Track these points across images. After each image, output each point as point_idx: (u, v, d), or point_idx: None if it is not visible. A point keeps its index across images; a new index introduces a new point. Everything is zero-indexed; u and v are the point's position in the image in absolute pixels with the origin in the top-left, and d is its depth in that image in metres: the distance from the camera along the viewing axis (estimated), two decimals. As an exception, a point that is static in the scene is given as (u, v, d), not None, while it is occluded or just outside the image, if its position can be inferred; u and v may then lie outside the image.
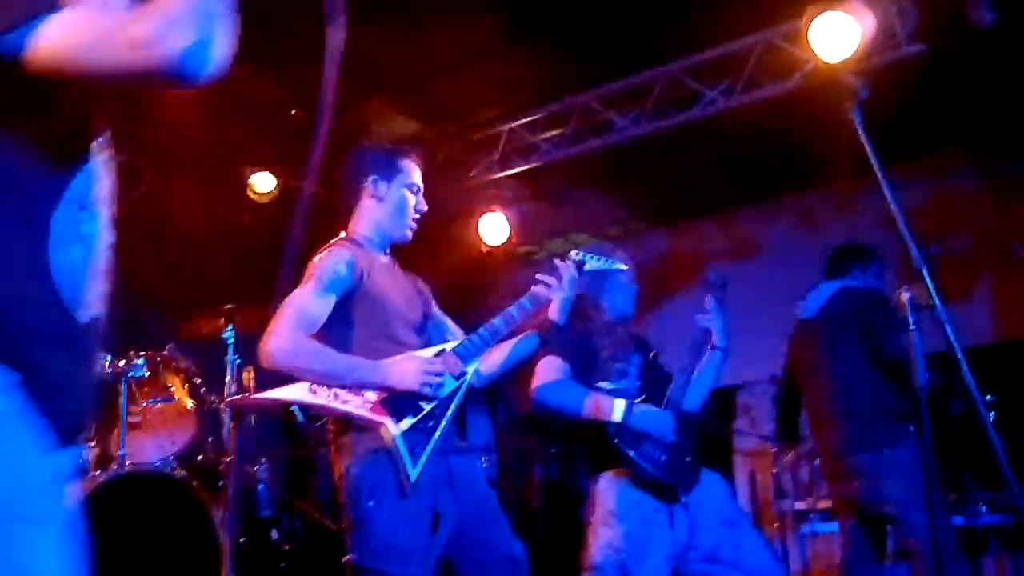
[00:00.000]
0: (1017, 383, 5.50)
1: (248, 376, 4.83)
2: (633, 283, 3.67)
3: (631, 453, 3.26)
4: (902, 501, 3.66)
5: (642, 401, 3.36)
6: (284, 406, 5.18)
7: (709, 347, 3.59)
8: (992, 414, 5.04)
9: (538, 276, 3.01)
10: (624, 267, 3.26)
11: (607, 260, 3.14)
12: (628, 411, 3.25)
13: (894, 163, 5.53)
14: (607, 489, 3.29)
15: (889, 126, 5.08)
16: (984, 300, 6.42)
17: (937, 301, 2.30)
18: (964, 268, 6.34)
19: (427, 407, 2.74)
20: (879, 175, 2.42)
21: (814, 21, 4.61)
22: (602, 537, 3.23)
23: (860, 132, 2.50)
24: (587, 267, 3.07)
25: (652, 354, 3.66)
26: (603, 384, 3.42)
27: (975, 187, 6.31)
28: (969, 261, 6.36)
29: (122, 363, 4.37)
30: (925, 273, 2.33)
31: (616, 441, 3.26)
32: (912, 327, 2.36)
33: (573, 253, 3.07)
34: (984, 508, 4.84)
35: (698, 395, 3.56)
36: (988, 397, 5.08)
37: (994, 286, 6.41)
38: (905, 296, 2.38)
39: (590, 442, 3.37)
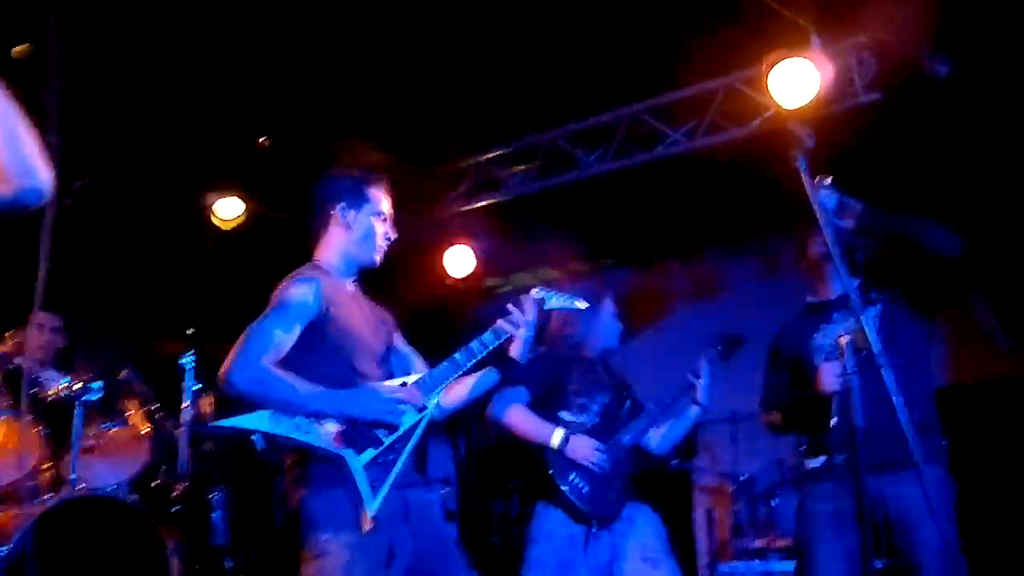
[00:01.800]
0: (970, 427, 5.58)
1: (207, 402, 4.81)
2: (618, 320, 3.84)
3: (557, 480, 3.59)
4: None
5: (593, 434, 3.67)
6: (243, 434, 5.17)
7: (692, 400, 3.83)
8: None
9: (504, 310, 3.03)
10: (584, 306, 3.31)
11: (568, 298, 3.18)
12: (564, 440, 3.59)
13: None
14: (536, 515, 3.63)
15: (848, 173, 5.22)
16: (938, 344, 6.52)
17: (876, 346, 2.35)
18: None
19: (388, 440, 2.73)
20: (822, 223, 2.48)
21: (774, 68, 4.71)
22: (529, 557, 3.58)
23: (806, 180, 2.56)
24: (548, 305, 3.10)
25: (625, 394, 3.90)
26: (562, 414, 3.73)
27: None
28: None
29: (78, 386, 4.33)
30: (863, 317, 2.38)
31: (548, 466, 3.59)
32: (852, 371, 2.41)
33: (535, 291, 3.09)
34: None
35: (669, 442, 3.90)
36: (942, 441, 5.16)
37: (948, 330, 6.51)
38: (844, 339, 2.43)
39: (528, 467, 3.68)
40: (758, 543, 5.72)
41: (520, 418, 3.68)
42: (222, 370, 2.62)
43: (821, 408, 3.37)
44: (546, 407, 3.73)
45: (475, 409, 3.58)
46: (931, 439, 3.28)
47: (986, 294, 6.13)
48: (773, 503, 5.86)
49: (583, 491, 3.61)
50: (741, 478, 6.07)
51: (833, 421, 3.30)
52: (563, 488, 3.59)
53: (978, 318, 6.14)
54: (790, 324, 3.77)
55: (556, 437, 3.62)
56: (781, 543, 5.53)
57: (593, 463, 3.62)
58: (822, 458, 3.42)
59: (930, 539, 3.10)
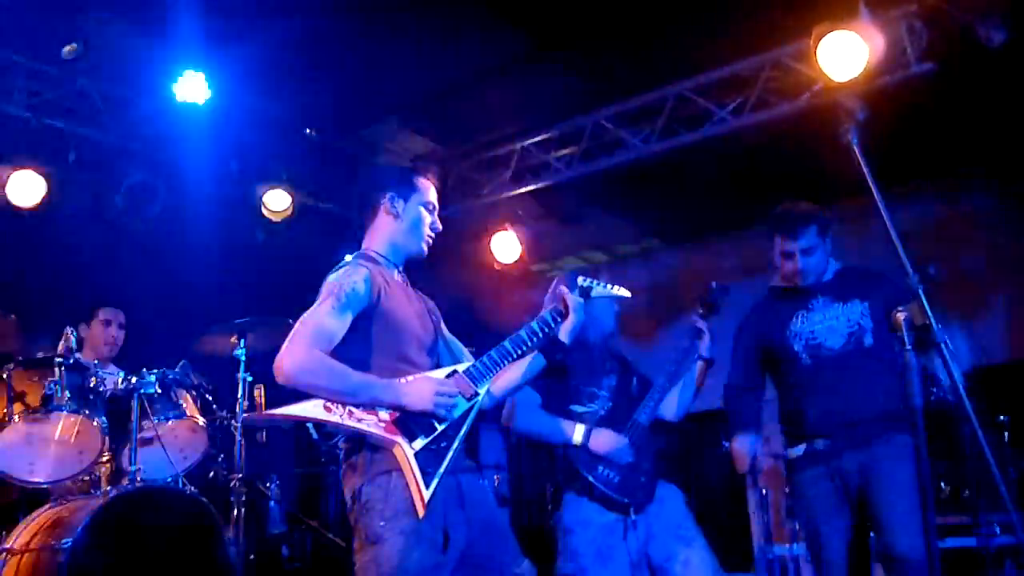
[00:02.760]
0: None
1: (259, 394, 4.86)
2: (614, 300, 3.82)
3: (587, 474, 3.64)
4: None
5: (610, 419, 3.73)
6: (297, 423, 5.22)
7: (697, 357, 3.86)
8: (1007, 434, 5.02)
9: (548, 297, 3.03)
10: (627, 294, 3.35)
11: (611, 287, 3.21)
12: (587, 436, 3.66)
13: (907, 182, 5.58)
14: (568, 505, 3.68)
15: (900, 145, 5.11)
16: (999, 319, 6.39)
17: (934, 321, 2.29)
18: (978, 287, 6.32)
19: (440, 427, 2.74)
20: (877, 197, 2.42)
21: (822, 40, 4.61)
22: (566, 548, 3.64)
23: (857, 153, 2.50)
24: (593, 293, 3.09)
25: (630, 373, 3.95)
26: (575, 407, 3.76)
27: (990, 205, 6.29)
28: (984, 280, 6.34)
29: (134, 380, 4.40)
30: (921, 293, 2.32)
31: (575, 463, 3.65)
32: (908, 347, 2.35)
33: (580, 279, 3.10)
34: (997, 529, 4.79)
35: (683, 407, 3.93)
36: (1002, 417, 5.06)
37: (1009, 304, 6.37)
38: (901, 316, 2.36)
39: (557, 463, 3.74)
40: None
41: (538, 423, 3.73)
42: (277, 360, 2.63)
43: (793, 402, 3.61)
44: (557, 403, 3.76)
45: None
46: (903, 420, 3.36)
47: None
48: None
49: (614, 481, 3.64)
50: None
51: (812, 413, 3.54)
52: (595, 482, 3.62)
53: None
54: (760, 307, 3.84)
55: (578, 434, 3.66)
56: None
57: (618, 456, 3.65)
58: (802, 446, 3.59)
59: (899, 479, 3.31)
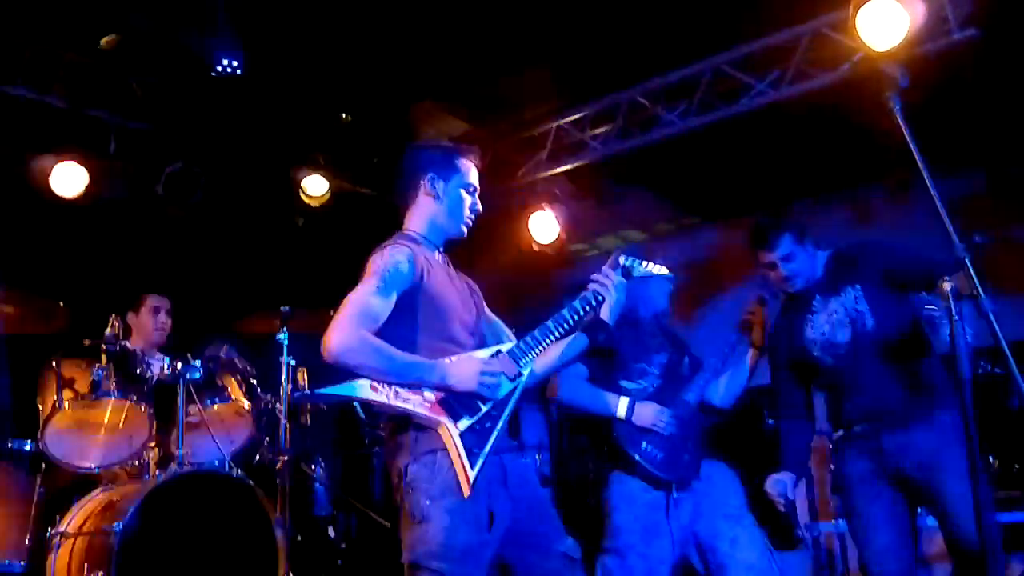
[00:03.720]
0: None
1: (302, 377, 4.91)
2: (668, 280, 3.75)
3: (630, 450, 3.65)
4: None
5: (658, 397, 3.72)
6: (344, 404, 5.27)
7: (749, 345, 3.85)
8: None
9: (592, 277, 3.03)
10: (668, 273, 3.33)
11: (651, 265, 3.18)
12: (630, 409, 3.66)
13: (952, 152, 5.47)
14: (611, 481, 3.70)
15: (945, 114, 5.01)
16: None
17: (981, 291, 2.24)
18: (1025, 258, 6.19)
19: (484, 408, 2.74)
20: (920, 165, 2.37)
21: (862, 8, 4.53)
22: (610, 524, 3.65)
23: (901, 122, 2.46)
24: (635, 273, 3.07)
25: (682, 352, 3.94)
26: (624, 383, 3.76)
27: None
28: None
29: (179, 365, 4.47)
30: (968, 262, 2.27)
31: (618, 438, 3.66)
32: (956, 317, 2.30)
33: (621, 259, 3.08)
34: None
35: (732, 394, 3.89)
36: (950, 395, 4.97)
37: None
38: (947, 286, 2.32)
39: (598, 438, 3.75)
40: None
41: (583, 394, 3.74)
42: (324, 341, 2.64)
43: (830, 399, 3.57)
44: (606, 378, 3.75)
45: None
46: (938, 397, 3.36)
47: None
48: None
49: (657, 458, 3.65)
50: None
51: (847, 407, 3.48)
52: (637, 458, 3.63)
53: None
54: (778, 322, 3.79)
55: (622, 407, 3.67)
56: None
57: (662, 427, 3.65)
58: (841, 430, 3.54)
59: (951, 465, 3.20)
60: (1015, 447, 4.87)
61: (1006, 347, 2.24)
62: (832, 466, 3.73)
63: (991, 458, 4.97)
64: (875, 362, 3.45)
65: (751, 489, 3.84)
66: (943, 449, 3.25)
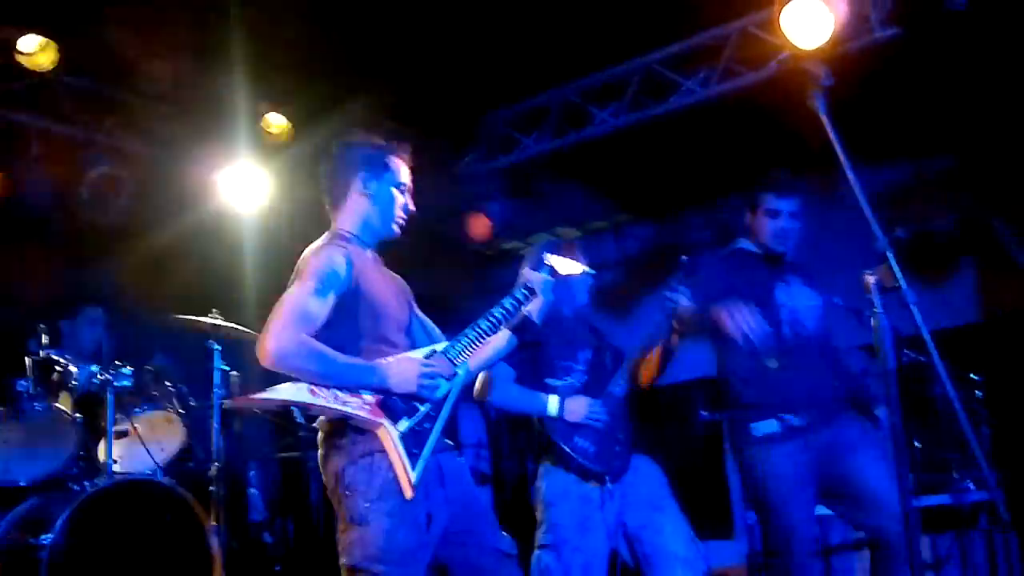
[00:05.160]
0: (1003, 360, 5.55)
1: (235, 382, 4.84)
2: (588, 276, 3.81)
3: (563, 445, 3.67)
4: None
5: (585, 392, 3.75)
6: (281, 408, 5.22)
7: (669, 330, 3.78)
8: (979, 393, 5.10)
9: (519, 276, 3.04)
10: (591, 272, 3.41)
11: (574, 264, 3.17)
12: (561, 406, 3.68)
13: (874, 148, 5.60)
14: (545, 477, 3.72)
15: (867, 111, 5.14)
16: (969, 279, 6.46)
17: (903, 283, 2.31)
18: (947, 248, 6.38)
19: (423, 409, 2.74)
20: (843, 161, 2.44)
21: (786, 8, 4.62)
22: (545, 520, 3.67)
23: (824, 119, 2.52)
24: (559, 271, 3.08)
25: (604, 345, 3.96)
26: (551, 381, 3.78)
27: (956, 168, 6.34)
28: (952, 241, 6.40)
29: (108, 373, 4.37)
30: (890, 256, 2.34)
31: (552, 434, 3.68)
32: (878, 310, 2.37)
33: (545, 258, 3.08)
34: (972, 485, 4.87)
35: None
36: (974, 376, 5.14)
37: (978, 265, 6.45)
38: (871, 279, 2.39)
39: (532, 435, 3.77)
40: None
41: (513, 396, 3.76)
42: (260, 344, 2.60)
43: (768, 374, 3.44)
44: (533, 377, 3.78)
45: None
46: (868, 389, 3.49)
47: (1008, 218, 6.07)
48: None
49: (590, 451, 3.68)
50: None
51: (797, 387, 3.42)
52: (570, 453, 3.66)
53: (1002, 244, 6.08)
54: (733, 265, 3.67)
55: (553, 405, 3.69)
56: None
57: (594, 420, 3.68)
58: (772, 422, 3.45)
59: (872, 453, 3.35)
60: (937, 433, 5.02)
61: (928, 337, 2.30)
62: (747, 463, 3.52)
63: (916, 443, 5.12)
64: (826, 359, 3.53)
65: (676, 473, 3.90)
66: (867, 445, 3.38)
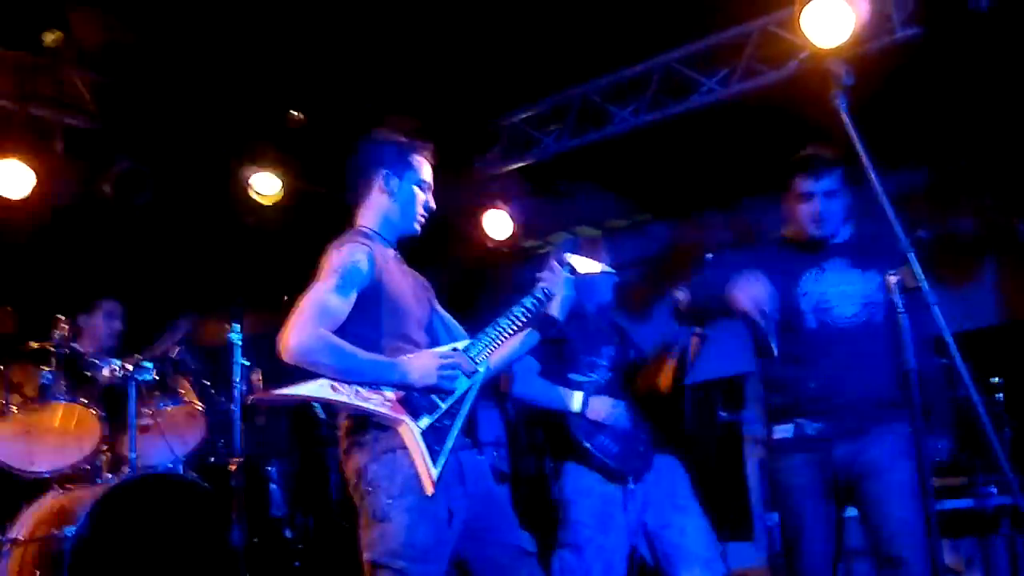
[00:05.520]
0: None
1: (257, 378, 4.87)
2: (612, 274, 3.79)
3: (586, 443, 3.66)
4: None
5: (608, 389, 3.74)
6: (303, 404, 5.25)
7: (691, 332, 3.80)
8: (1000, 395, 5.06)
9: (539, 276, 3.04)
10: (612, 271, 3.39)
11: (595, 264, 3.18)
12: (584, 403, 3.66)
13: (895, 147, 5.58)
14: (567, 475, 3.72)
15: (889, 111, 5.11)
16: (990, 282, 6.42)
17: (924, 284, 2.30)
18: (969, 250, 6.34)
19: (444, 406, 2.75)
20: (865, 161, 2.43)
21: (807, 7, 4.61)
22: (566, 518, 3.65)
23: (845, 118, 2.50)
24: (580, 269, 3.09)
25: (627, 342, 3.96)
26: (574, 376, 3.78)
27: (978, 169, 6.30)
28: (973, 243, 6.36)
29: (131, 367, 4.41)
30: (911, 256, 2.33)
31: (573, 432, 3.66)
32: (900, 310, 2.36)
33: (566, 256, 3.10)
34: (995, 489, 4.84)
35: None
36: (995, 379, 5.10)
37: (999, 267, 6.41)
38: (893, 279, 2.37)
39: (553, 432, 3.75)
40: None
41: (537, 389, 3.75)
42: (282, 340, 2.62)
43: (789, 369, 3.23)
44: (556, 372, 3.77)
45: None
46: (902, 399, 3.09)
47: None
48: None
49: (613, 451, 3.68)
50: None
51: (812, 386, 3.20)
52: (593, 451, 3.66)
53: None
54: (765, 256, 3.42)
55: (576, 401, 3.68)
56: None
57: (614, 420, 3.68)
58: (790, 426, 3.26)
59: (898, 479, 3.08)
60: (960, 437, 4.98)
61: (950, 338, 2.30)
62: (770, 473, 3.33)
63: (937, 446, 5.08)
64: (865, 352, 3.19)
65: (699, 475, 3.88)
66: (894, 461, 3.11)
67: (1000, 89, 5.48)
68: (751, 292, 3.09)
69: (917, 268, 2.32)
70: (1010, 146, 5.96)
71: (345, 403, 2.67)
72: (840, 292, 3.28)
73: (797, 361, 3.24)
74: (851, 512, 3.30)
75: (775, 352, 3.18)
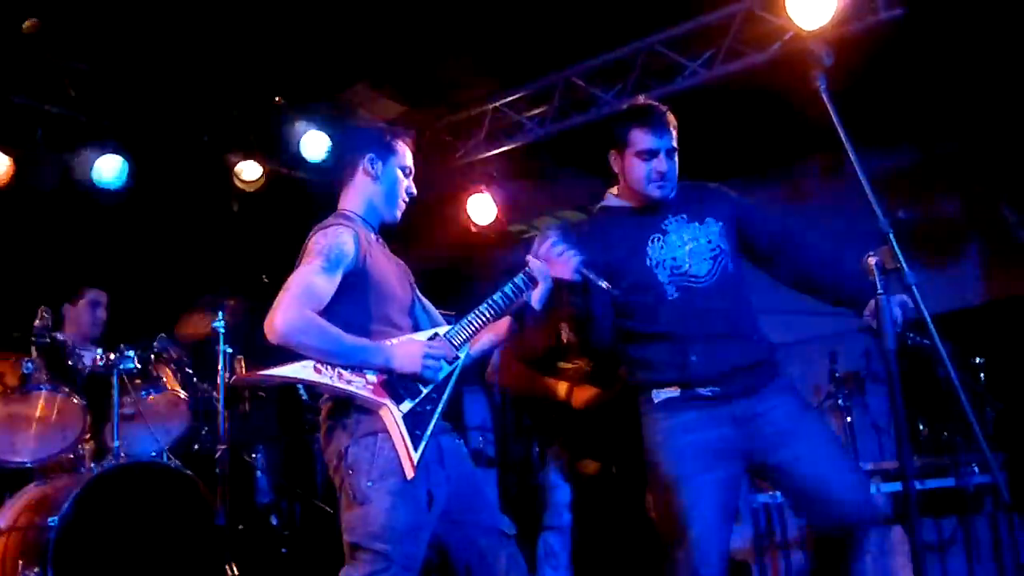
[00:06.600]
0: (1007, 343, 5.55)
1: (240, 365, 4.85)
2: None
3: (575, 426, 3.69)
4: None
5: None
6: (287, 387, 5.24)
7: None
8: (982, 375, 5.10)
9: (527, 259, 3.01)
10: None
11: (579, 254, 3.11)
12: (569, 391, 3.68)
13: (879, 130, 5.59)
14: (553, 460, 3.73)
15: (872, 93, 5.12)
16: (973, 262, 6.46)
17: (904, 264, 2.30)
18: (953, 231, 6.37)
19: (425, 391, 2.76)
20: (845, 142, 2.42)
21: (789, -13, 4.61)
22: (551, 502, 3.74)
23: (827, 101, 2.49)
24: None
25: None
26: (561, 364, 3.81)
27: (962, 150, 6.32)
28: (955, 225, 6.39)
29: (113, 356, 4.39)
30: (891, 237, 2.33)
31: (561, 416, 3.69)
32: (880, 291, 2.36)
33: (548, 242, 3.02)
34: (976, 468, 4.88)
35: None
36: (978, 359, 5.14)
37: (983, 248, 6.44)
38: (872, 260, 2.37)
39: (542, 419, 3.82)
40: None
41: (523, 376, 3.75)
42: (269, 320, 2.63)
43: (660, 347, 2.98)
44: (544, 360, 3.78)
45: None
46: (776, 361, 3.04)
47: (1014, 201, 6.05)
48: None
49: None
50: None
51: (694, 359, 2.92)
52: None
53: (1008, 227, 6.07)
54: (593, 231, 3.17)
55: (562, 389, 3.71)
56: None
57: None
58: (675, 390, 2.96)
59: (806, 431, 2.91)
60: (942, 416, 5.02)
61: (928, 318, 2.30)
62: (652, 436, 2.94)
63: (921, 426, 5.12)
64: (730, 309, 3.00)
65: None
66: (798, 414, 2.94)
67: (985, 70, 5.48)
68: (554, 254, 2.87)
69: (896, 249, 2.32)
70: (994, 128, 5.98)
71: (328, 385, 2.67)
72: (689, 251, 3.04)
73: (669, 339, 2.98)
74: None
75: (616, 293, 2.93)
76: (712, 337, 2.94)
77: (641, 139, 3.03)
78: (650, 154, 3.03)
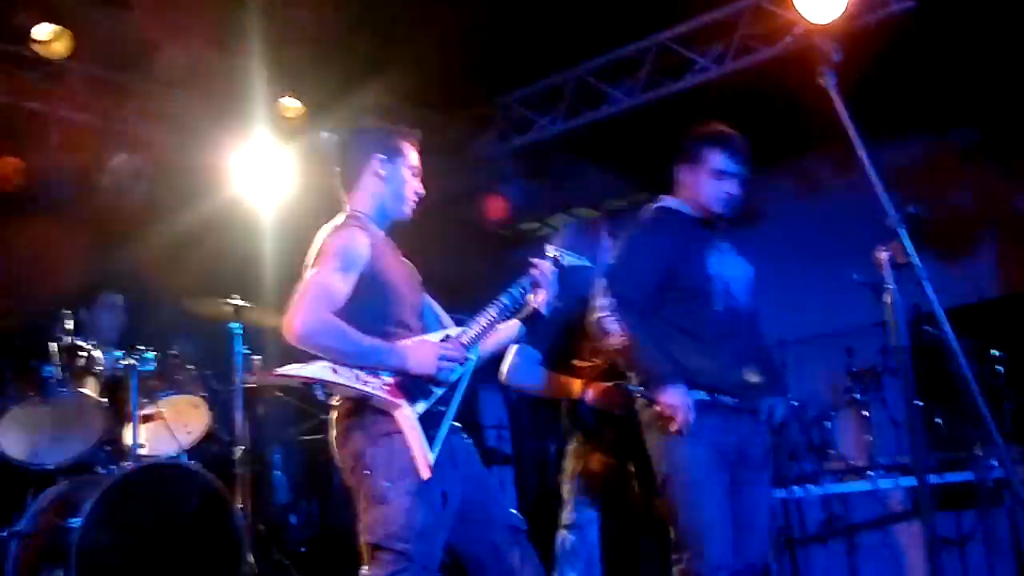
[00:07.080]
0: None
1: (257, 366, 4.88)
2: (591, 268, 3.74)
3: (592, 425, 3.61)
4: None
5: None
6: (304, 387, 5.26)
7: None
8: (1001, 368, 5.06)
9: (532, 261, 3.05)
10: (589, 264, 3.32)
11: (578, 257, 3.17)
12: (584, 390, 3.61)
13: (892, 123, 5.57)
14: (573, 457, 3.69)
15: (884, 85, 5.10)
16: (989, 255, 6.43)
17: (915, 259, 2.30)
18: (967, 224, 6.34)
19: (438, 392, 2.78)
20: (853, 136, 2.43)
21: (798, -18, 4.60)
22: (571, 499, 3.65)
23: (833, 95, 2.50)
24: (564, 263, 3.10)
25: None
26: (576, 363, 3.71)
27: (976, 142, 6.29)
28: (971, 217, 6.36)
29: (132, 358, 4.42)
30: (902, 232, 2.33)
31: (581, 416, 3.64)
32: (891, 286, 2.36)
33: (548, 250, 3.09)
34: (995, 462, 4.84)
35: None
36: (996, 352, 5.10)
37: (998, 240, 6.41)
38: (883, 255, 2.37)
39: (557, 416, 3.76)
40: (814, 467, 5.70)
41: (539, 379, 3.73)
42: (287, 322, 2.65)
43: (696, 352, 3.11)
44: (560, 359, 3.75)
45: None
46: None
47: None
48: (827, 425, 5.82)
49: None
50: (793, 403, 6.03)
51: (726, 368, 3.11)
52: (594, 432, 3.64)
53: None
54: (670, 227, 3.32)
55: (578, 388, 3.66)
56: (837, 465, 5.51)
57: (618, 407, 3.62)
58: (703, 393, 3.08)
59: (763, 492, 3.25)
60: (960, 410, 4.99)
61: (941, 312, 2.30)
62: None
63: (937, 420, 5.10)
64: (753, 338, 3.25)
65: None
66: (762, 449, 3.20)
67: (998, 60, 5.46)
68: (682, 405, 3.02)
69: (908, 243, 2.32)
70: (1009, 118, 5.95)
71: (345, 386, 2.69)
72: (735, 277, 3.26)
73: (706, 343, 3.13)
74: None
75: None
76: (740, 357, 3.16)
77: (720, 161, 3.30)
78: (725, 175, 3.28)
